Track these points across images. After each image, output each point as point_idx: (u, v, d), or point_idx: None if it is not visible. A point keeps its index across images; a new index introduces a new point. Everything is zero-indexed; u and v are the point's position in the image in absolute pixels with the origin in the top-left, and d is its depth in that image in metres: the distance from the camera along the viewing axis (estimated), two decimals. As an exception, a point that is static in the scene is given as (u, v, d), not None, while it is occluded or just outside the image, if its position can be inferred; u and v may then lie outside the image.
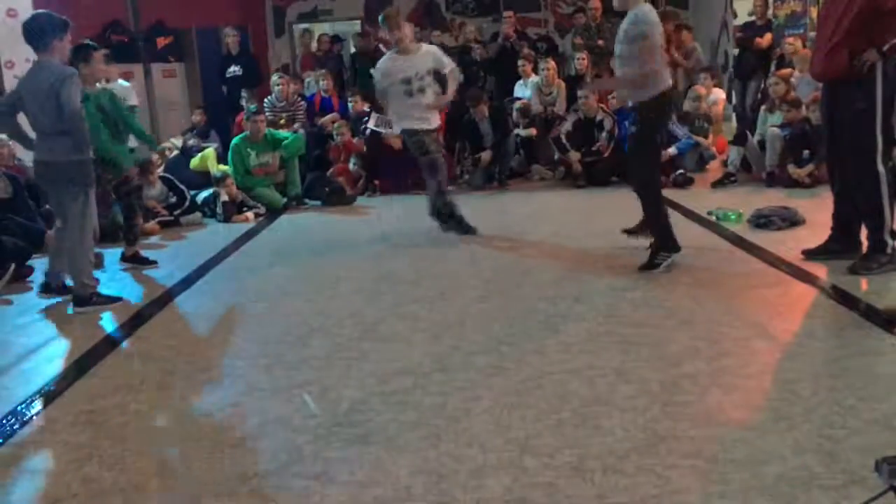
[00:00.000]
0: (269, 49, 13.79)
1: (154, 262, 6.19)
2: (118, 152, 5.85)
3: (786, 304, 4.32)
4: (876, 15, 4.44)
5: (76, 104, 4.81)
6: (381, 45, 11.04)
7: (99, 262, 6.22)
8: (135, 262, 6.17)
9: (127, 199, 6.21)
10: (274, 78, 10.21)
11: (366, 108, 9.61)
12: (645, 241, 5.33)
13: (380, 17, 6.65)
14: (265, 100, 9.91)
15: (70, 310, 5.01)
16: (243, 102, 9.97)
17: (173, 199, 7.93)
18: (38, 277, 5.21)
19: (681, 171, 8.36)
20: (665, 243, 5.06)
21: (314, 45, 11.95)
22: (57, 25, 4.91)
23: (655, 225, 5.15)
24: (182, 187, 8.03)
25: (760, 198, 6.99)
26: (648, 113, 4.96)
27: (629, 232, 5.63)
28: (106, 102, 5.85)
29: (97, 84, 6.01)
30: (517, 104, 9.81)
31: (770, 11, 10.43)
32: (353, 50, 12.06)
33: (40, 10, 5.37)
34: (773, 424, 2.86)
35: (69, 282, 5.27)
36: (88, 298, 5.00)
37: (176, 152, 9.57)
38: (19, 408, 3.50)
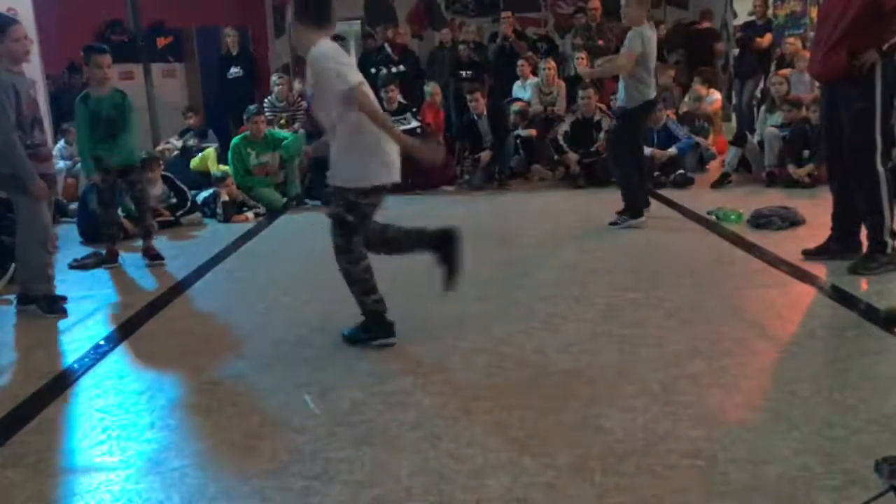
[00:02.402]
0: (269, 49, 13.78)
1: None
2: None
3: (786, 304, 4.32)
4: (876, 15, 4.45)
5: None
6: (386, 45, 11.04)
7: (98, 261, 6.22)
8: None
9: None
10: (274, 78, 10.21)
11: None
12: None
13: None
14: (265, 100, 9.91)
15: (13, 308, 4.99)
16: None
17: (174, 200, 7.93)
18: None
19: (681, 171, 8.36)
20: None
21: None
22: None
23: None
24: (182, 187, 8.02)
25: (760, 198, 6.99)
26: None
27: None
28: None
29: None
30: (515, 106, 9.79)
31: (770, 11, 10.44)
32: (357, 51, 12.06)
33: None
34: (773, 424, 2.86)
35: None
36: (42, 301, 4.88)
37: (176, 153, 9.58)
38: (19, 408, 3.50)
